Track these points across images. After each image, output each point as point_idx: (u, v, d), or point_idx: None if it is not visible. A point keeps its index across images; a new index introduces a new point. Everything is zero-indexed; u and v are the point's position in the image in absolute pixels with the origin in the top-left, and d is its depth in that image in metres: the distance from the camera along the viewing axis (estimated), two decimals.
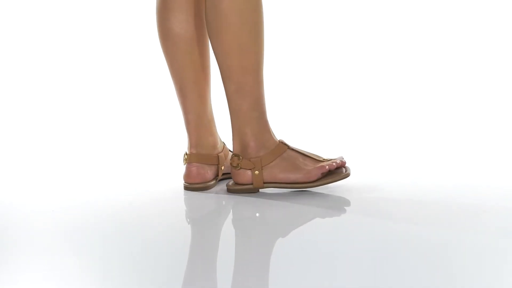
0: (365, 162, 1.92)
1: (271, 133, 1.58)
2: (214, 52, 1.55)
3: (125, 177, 1.88)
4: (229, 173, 1.68)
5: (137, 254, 1.20)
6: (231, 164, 1.58)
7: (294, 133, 2.03)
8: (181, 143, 1.77)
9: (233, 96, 1.55)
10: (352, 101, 2.79)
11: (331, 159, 1.59)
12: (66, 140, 2.43)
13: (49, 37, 2.95)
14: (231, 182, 1.61)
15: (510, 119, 2.53)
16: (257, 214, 1.47)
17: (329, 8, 3.01)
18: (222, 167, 1.68)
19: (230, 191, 1.59)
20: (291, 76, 2.91)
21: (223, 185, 1.66)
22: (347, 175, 1.58)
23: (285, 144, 1.58)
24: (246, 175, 1.57)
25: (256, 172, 1.56)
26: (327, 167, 1.56)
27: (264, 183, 1.57)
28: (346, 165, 1.60)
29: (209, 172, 1.65)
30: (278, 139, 1.59)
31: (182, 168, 1.70)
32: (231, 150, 1.69)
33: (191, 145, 1.65)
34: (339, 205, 1.52)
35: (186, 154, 1.66)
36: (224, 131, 1.73)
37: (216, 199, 1.58)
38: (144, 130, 2.58)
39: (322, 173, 1.56)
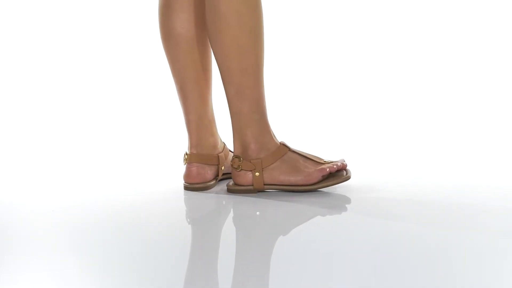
0: (365, 162, 1.93)
1: (272, 135, 1.58)
2: (214, 53, 1.54)
3: (125, 177, 1.88)
4: (229, 173, 1.68)
5: (137, 254, 1.20)
6: (232, 165, 1.58)
7: (294, 135, 2.03)
8: (181, 143, 1.77)
9: (233, 98, 1.54)
10: (353, 102, 2.79)
11: (332, 162, 1.59)
12: (66, 140, 2.43)
13: (50, 37, 2.95)
14: (231, 182, 1.61)
15: (510, 119, 2.53)
16: (258, 213, 1.47)
17: (329, 9, 3.01)
18: (222, 167, 1.67)
19: (230, 191, 1.59)
20: (291, 78, 2.91)
21: (223, 185, 1.66)
22: (348, 178, 1.57)
23: (286, 146, 1.58)
24: (246, 177, 1.57)
25: (257, 173, 1.56)
26: (327, 169, 1.56)
27: (264, 185, 1.57)
28: (347, 167, 1.59)
29: (209, 172, 1.65)
30: (279, 141, 1.59)
31: (182, 168, 1.70)
32: (232, 150, 1.69)
33: (192, 145, 1.65)
34: (340, 204, 1.52)
35: (186, 154, 1.65)
36: (224, 132, 1.73)
37: (216, 199, 1.58)
38: (144, 130, 2.58)
39: (322, 176, 1.56)
